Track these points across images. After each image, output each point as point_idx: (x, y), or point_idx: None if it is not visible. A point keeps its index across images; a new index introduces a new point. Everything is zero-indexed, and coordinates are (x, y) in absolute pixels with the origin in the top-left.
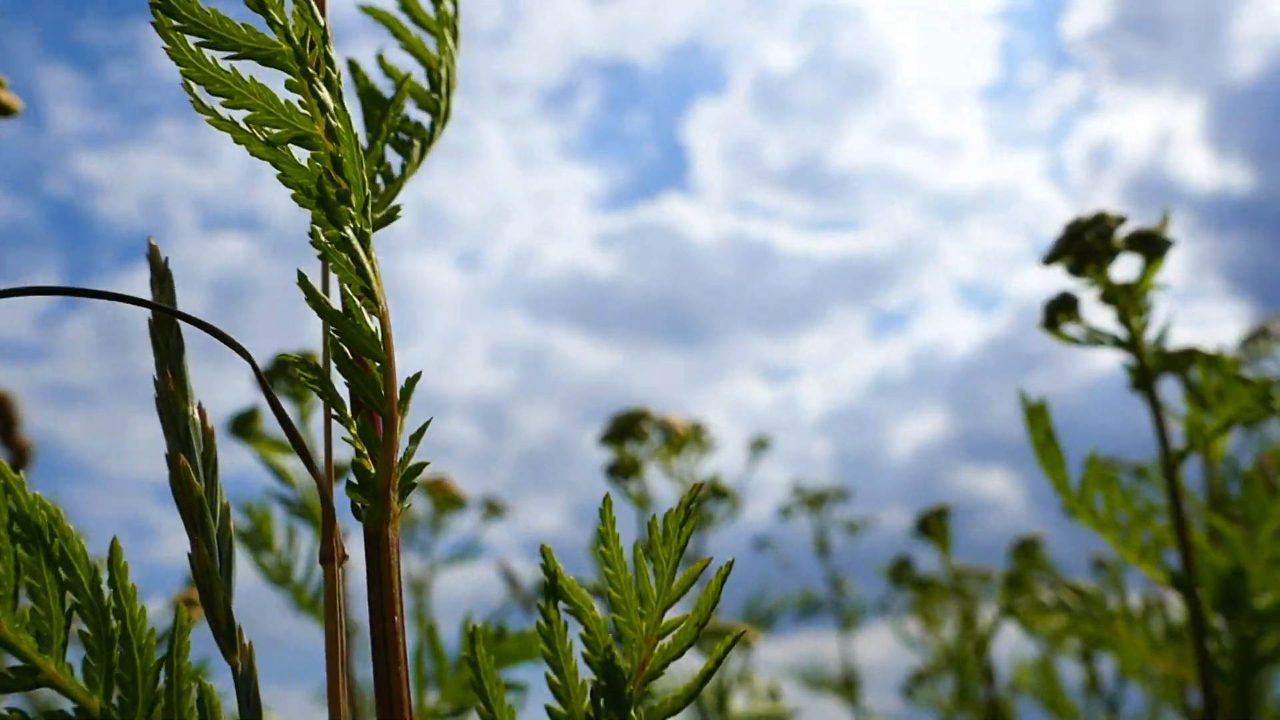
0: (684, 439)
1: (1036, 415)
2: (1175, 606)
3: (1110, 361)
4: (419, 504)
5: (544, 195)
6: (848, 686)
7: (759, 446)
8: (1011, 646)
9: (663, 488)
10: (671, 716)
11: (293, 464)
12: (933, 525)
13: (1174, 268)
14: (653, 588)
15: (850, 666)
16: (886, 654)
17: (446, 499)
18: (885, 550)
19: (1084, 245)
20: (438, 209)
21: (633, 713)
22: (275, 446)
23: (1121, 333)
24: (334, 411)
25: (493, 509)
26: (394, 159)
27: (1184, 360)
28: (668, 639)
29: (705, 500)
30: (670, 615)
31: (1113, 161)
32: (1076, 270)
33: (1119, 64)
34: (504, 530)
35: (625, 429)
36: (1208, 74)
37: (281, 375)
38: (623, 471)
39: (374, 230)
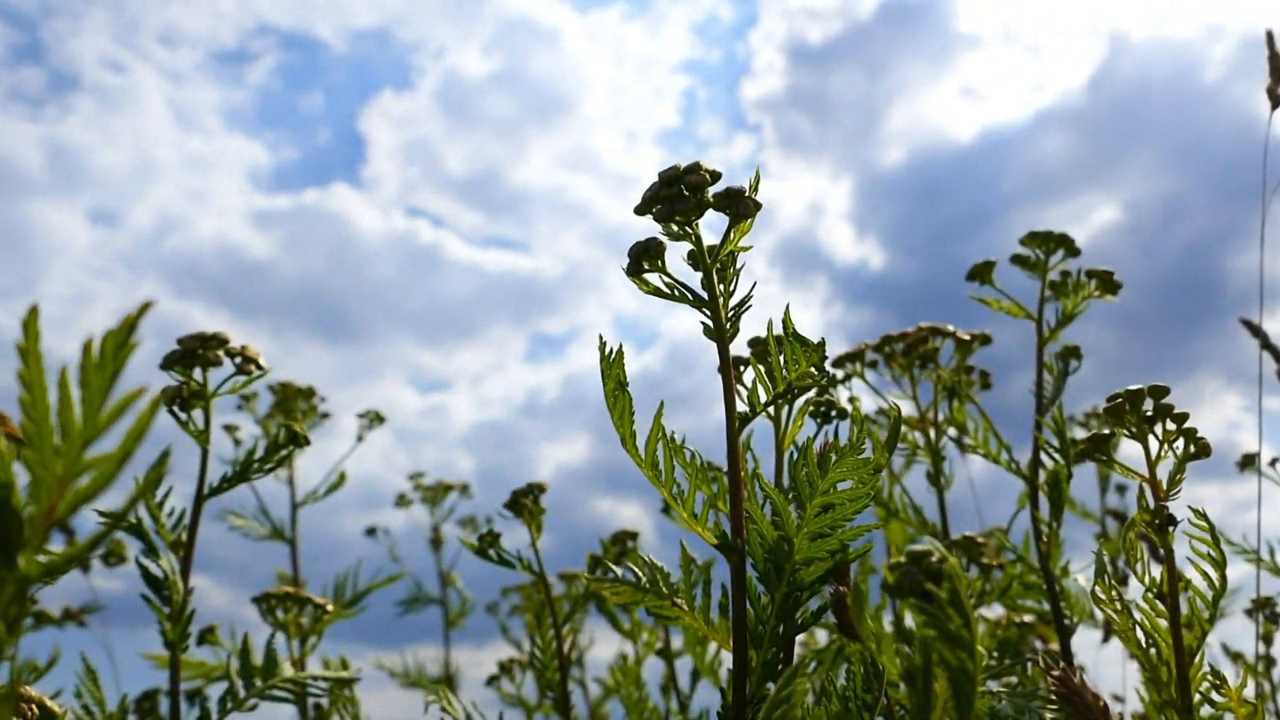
0: (292, 392)
1: (610, 365)
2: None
3: (765, 425)
4: None
5: (201, 161)
6: (447, 681)
7: (374, 420)
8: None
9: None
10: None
11: None
12: (524, 502)
13: (811, 328)
14: (77, 419)
15: (453, 663)
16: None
17: None
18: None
19: (675, 194)
20: (75, 154)
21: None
22: None
23: (704, 291)
24: None
25: None
26: None
27: (761, 344)
28: (85, 480)
29: (290, 404)
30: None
31: (770, 224)
32: (665, 218)
33: (786, 134)
34: None
35: (191, 352)
36: (860, 158)
37: None
38: (184, 402)
39: None
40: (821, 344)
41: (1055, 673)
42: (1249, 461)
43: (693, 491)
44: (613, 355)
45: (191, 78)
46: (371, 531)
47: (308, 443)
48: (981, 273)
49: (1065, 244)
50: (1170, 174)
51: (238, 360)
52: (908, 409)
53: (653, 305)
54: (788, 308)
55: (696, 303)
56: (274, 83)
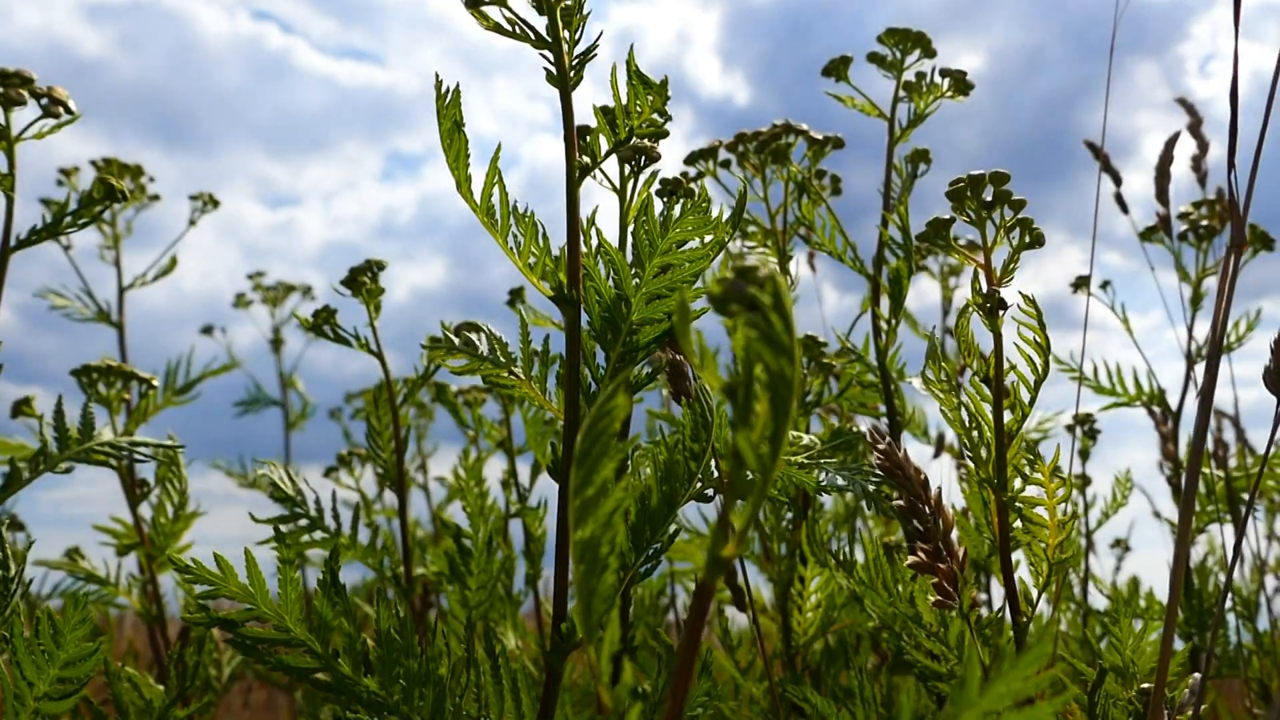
0: (118, 169)
1: (447, 106)
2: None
3: (612, 210)
4: None
5: None
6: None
7: (208, 203)
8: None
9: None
10: None
11: None
12: (362, 280)
13: (673, 161)
14: None
15: (293, 462)
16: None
17: None
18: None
19: None
20: None
21: None
22: None
23: (546, 33)
24: None
25: None
26: None
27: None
28: None
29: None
30: None
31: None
32: None
33: None
34: None
35: None
36: None
37: None
38: None
39: None
40: (664, 84)
41: (881, 447)
42: (1082, 283)
43: (528, 242)
44: (449, 94)
45: None
46: (208, 330)
47: (125, 197)
48: (837, 69)
49: (922, 43)
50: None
51: (44, 102)
52: (758, 212)
53: (516, 128)
54: (631, 48)
55: (539, 43)
56: None
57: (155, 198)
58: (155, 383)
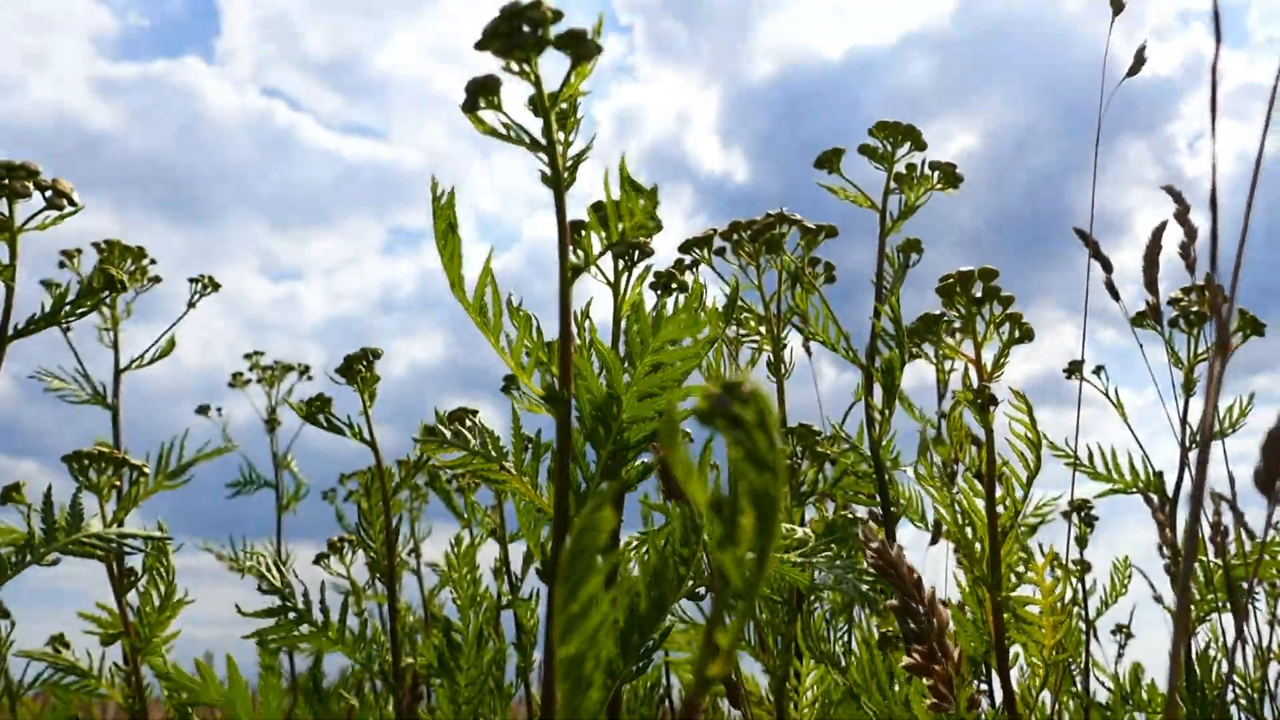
0: (119, 251)
1: (442, 208)
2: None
3: (606, 305)
4: None
5: (42, 21)
6: (275, 561)
7: (208, 285)
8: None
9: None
10: None
11: None
12: (358, 368)
13: (672, 240)
14: None
15: (286, 554)
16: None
17: None
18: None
19: (516, 29)
20: None
21: None
22: None
23: (541, 136)
24: None
25: None
26: None
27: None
28: None
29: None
30: None
31: (638, 129)
32: (505, 53)
33: (658, 39)
34: None
35: None
36: (730, 69)
37: None
38: None
39: None
40: (654, 190)
41: (874, 545)
42: (1075, 368)
43: (521, 341)
44: (444, 196)
45: None
46: (203, 410)
47: (125, 288)
48: (830, 160)
49: (912, 136)
50: (1026, 105)
51: (48, 194)
52: (752, 300)
53: (516, 206)
54: (623, 156)
55: (534, 146)
56: None
57: (156, 279)
58: (147, 470)
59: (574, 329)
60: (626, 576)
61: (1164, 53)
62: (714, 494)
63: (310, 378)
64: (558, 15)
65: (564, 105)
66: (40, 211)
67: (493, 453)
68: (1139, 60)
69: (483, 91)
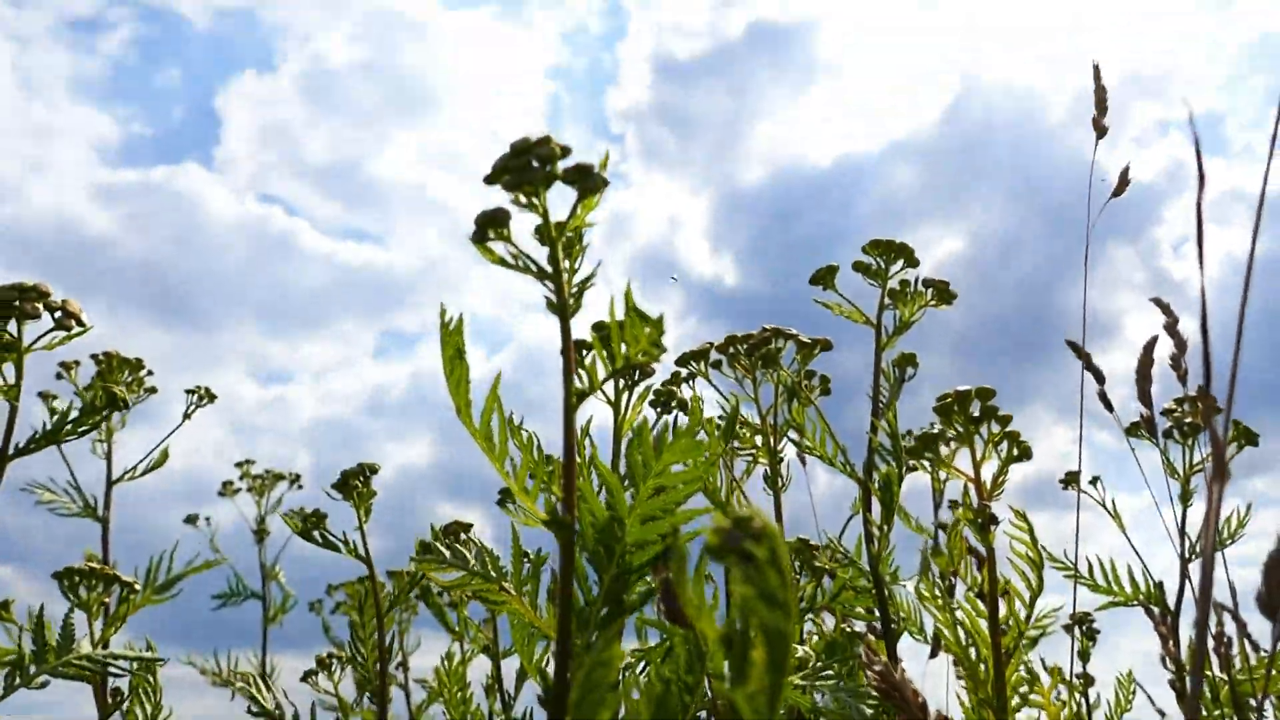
0: (117, 363)
1: (450, 334)
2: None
3: (606, 421)
4: None
5: (44, 129)
6: (263, 678)
7: (204, 396)
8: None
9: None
10: None
11: None
12: (354, 483)
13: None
14: None
15: (271, 666)
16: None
17: None
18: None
19: (525, 165)
20: None
21: None
22: None
23: (548, 264)
24: None
25: None
26: None
27: (604, 327)
28: None
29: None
30: None
31: (629, 234)
32: (514, 187)
33: (649, 145)
34: None
35: (7, 302)
36: (720, 175)
37: None
38: None
39: None
40: (660, 319)
41: (876, 668)
42: (1071, 479)
43: (525, 466)
44: (452, 323)
45: (40, 41)
46: (191, 520)
47: (127, 406)
48: (825, 277)
49: (905, 254)
50: (1011, 210)
51: (58, 315)
52: (749, 412)
53: (511, 308)
54: (629, 284)
55: (540, 275)
56: (130, 55)
57: (152, 390)
58: (137, 586)
59: (577, 451)
60: (631, 706)
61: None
62: (725, 629)
63: (301, 486)
64: (566, 151)
65: (570, 234)
66: (48, 332)
67: (492, 572)
68: (1124, 181)
69: (492, 224)
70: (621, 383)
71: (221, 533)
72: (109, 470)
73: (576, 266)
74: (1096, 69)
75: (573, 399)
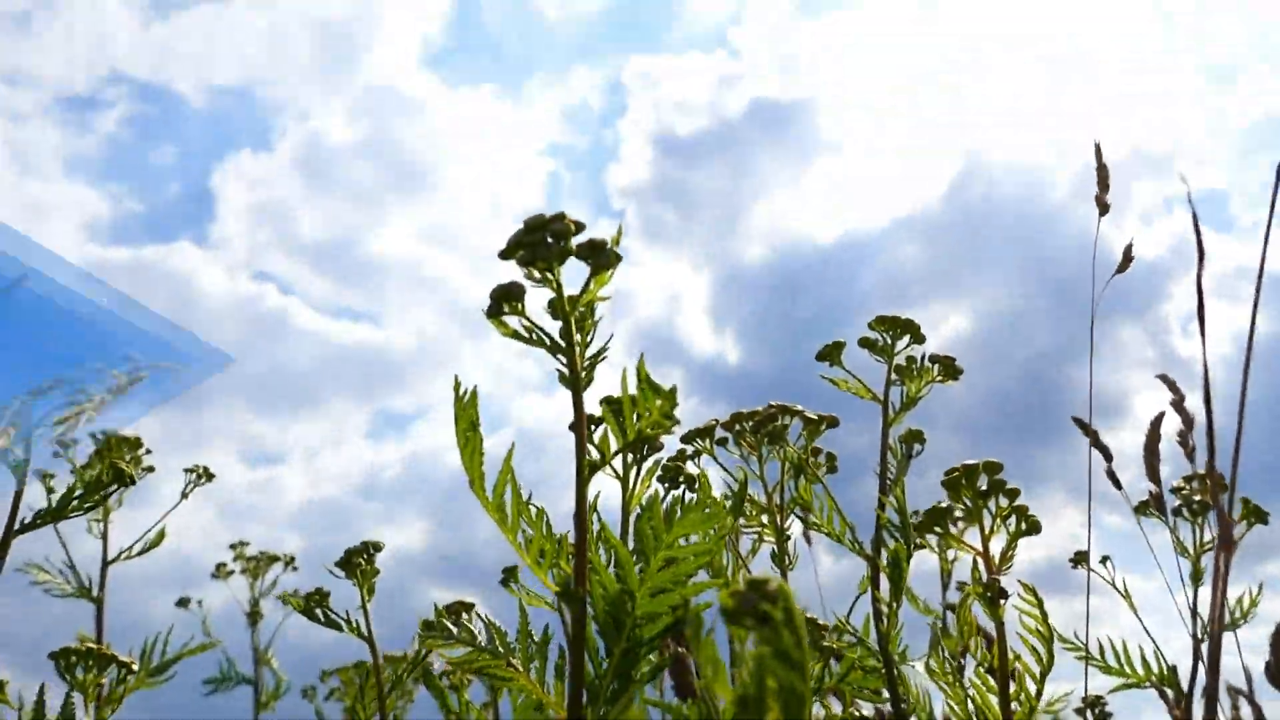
0: (115, 442)
1: (465, 407)
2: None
3: (611, 495)
4: None
5: (36, 207)
6: None
7: (202, 476)
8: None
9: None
10: None
11: None
12: (358, 561)
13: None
14: None
15: None
16: None
17: None
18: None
19: (539, 240)
20: None
21: None
22: None
23: (561, 338)
24: None
25: None
26: None
27: (615, 401)
28: None
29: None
30: None
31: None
32: (528, 263)
33: (650, 222)
34: None
35: None
36: (721, 252)
37: None
38: None
39: None
40: (673, 391)
41: None
42: (1081, 558)
43: (537, 539)
44: (467, 396)
45: (34, 119)
46: (183, 602)
47: (133, 482)
48: (831, 353)
49: (911, 330)
50: (1017, 286)
51: None
52: (755, 490)
53: (507, 387)
54: (641, 356)
55: (553, 348)
56: (124, 133)
57: (150, 469)
58: (134, 667)
59: (588, 526)
60: None
61: (1152, 235)
62: (740, 690)
63: (296, 569)
64: (580, 226)
65: (582, 309)
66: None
67: (499, 648)
68: (1127, 257)
69: (507, 298)
70: (630, 457)
71: (211, 615)
72: (105, 551)
73: (588, 340)
74: (1098, 147)
75: (585, 471)
